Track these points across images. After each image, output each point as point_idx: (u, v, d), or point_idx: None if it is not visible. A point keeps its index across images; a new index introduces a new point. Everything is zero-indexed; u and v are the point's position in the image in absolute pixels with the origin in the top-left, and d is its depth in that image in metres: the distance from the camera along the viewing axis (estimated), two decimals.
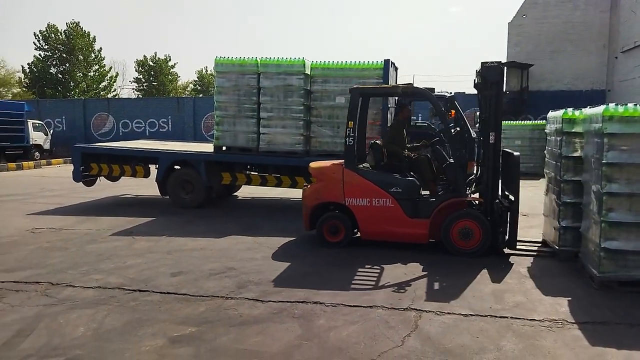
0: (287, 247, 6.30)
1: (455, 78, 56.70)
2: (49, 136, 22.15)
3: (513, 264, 5.55)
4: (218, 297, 4.42)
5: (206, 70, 45.58)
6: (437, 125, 9.71)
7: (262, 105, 8.95)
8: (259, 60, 8.94)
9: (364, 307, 4.18)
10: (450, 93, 10.85)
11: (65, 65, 34.69)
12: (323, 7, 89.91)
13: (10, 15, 66.06)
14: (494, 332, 3.73)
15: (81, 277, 4.95)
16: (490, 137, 5.83)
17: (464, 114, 8.09)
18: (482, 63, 5.81)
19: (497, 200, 5.84)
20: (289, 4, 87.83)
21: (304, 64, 8.69)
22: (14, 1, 67.08)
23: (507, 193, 6.01)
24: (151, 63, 41.26)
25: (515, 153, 5.91)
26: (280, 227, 7.47)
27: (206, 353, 3.36)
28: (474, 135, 8.82)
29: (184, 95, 39.89)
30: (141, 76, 41.67)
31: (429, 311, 4.10)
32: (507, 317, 4.00)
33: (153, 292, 4.54)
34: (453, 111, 6.32)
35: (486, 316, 4.03)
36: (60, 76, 35.06)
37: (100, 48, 36.24)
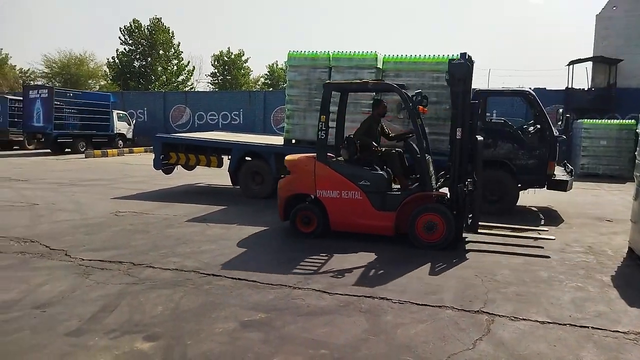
0: (352, 241, 6.29)
1: (535, 73, 53.67)
2: (132, 126, 23.64)
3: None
4: (286, 286, 4.51)
5: (277, 65, 46.47)
6: (515, 122, 9.26)
7: (332, 100, 8.95)
8: (330, 54, 8.97)
9: (432, 306, 4.09)
10: (529, 89, 10.31)
11: (147, 59, 36.81)
12: (400, 1, 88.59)
13: (99, 12, 71.02)
14: (573, 342, 3.51)
15: (160, 259, 5.24)
16: (457, 133, 5.93)
17: (546, 111, 7.66)
18: (449, 60, 6.01)
19: (460, 185, 5.93)
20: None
21: (376, 58, 8.61)
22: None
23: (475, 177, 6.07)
24: (226, 58, 42.73)
25: (479, 138, 6.13)
26: None
27: (275, 339, 3.44)
28: (556, 133, 8.36)
29: (255, 89, 40.96)
30: (216, 70, 43.28)
31: (503, 316, 3.93)
32: (587, 327, 3.76)
33: (225, 277, 4.71)
34: (421, 107, 6.16)
35: (565, 325, 3.80)
36: (143, 69, 37.22)
37: (179, 43, 38.07)
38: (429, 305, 4.10)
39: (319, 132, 6.24)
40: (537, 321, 3.85)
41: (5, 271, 4.81)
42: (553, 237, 6.43)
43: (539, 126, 8.38)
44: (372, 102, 7.22)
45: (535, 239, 6.43)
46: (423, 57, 8.57)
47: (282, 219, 6.58)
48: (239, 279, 4.68)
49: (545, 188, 8.50)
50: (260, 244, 6.03)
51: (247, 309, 3.96)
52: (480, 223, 6.18)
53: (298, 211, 6.36)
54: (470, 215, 6.10)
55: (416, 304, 4.13)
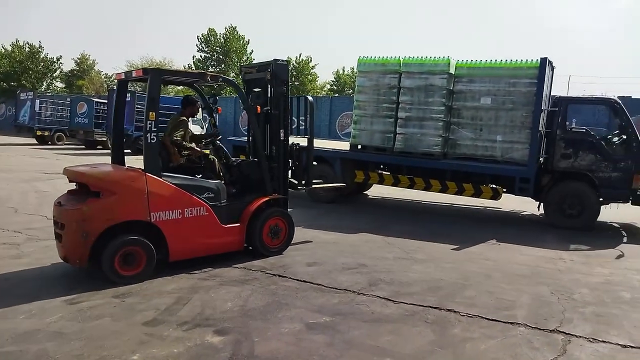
0: (416, 249, 6.17)
1: (619, 80, 49.96)
2: (204, 129, 24.65)
3: None
4: (350, 291, 4.50)
5: (343, 71, 46.67)
6: (598, 131, 8.69)
7: (401, 105, 8.89)
8: (401, 60, 8.89)
9: (503, 322, 3.92)
10: (614, 97, 9.64)
11: (222, 66, 38.30)
12: (467, 6, 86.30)
13: (178, 20, 75.02)
14: None
15: (228, 257, 5.37)
16: (281, 134, 5.88)
17: (632, 121, 7.15)
18: (274, 60, 5.82)
19: (292, 143, 6.15)
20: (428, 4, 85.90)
21: (449, 63, 8.43)
22: (181, 7, 75.96)
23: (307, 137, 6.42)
24: (295, 64, 43.54)
25: (309, 97, 6.59)
26: (409, 229, 7.37)
27: (340, 344, 3.44)
28: None
29: (321, 95, 41.38)
30: None
31: (580, 336, 3.69)
32: None
33: (291, 278, 4.79)
34: (259, 107, 5.68)
35: None
36: None
37: (252, 51, 39.32)
38: (500, 321, 3.93)
39: (148, 135, 4.82)
40: (619, 344, 3.59)
41: None
42: None
43: (624, 137, 7.83)
44: (185, 100, 5.90)
45: None
46: (499, 62, 8.28)
47: (84, 263, 4.48)
48: (304, 280, 4.74)
49: (630, 203, 7.91)
50: (326, 249, 6.06)
51: (312, 311, 4.00)
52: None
53: (118, 247, 4.48)
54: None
55: (486, 318, 3.98)
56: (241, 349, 3.30)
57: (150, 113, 4.79)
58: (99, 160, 16.88)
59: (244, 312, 3.93)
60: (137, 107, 20.57)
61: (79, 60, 48.24)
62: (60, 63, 41.91)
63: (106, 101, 21.98)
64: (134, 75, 5.36)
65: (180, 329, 3.56)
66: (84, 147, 23.29)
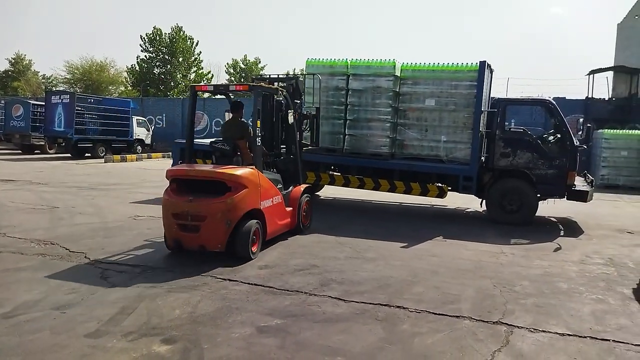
0: (367, 248, 6.27)
1: (554, 82, 52.79)
2: (150, 132, 23.95)
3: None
4: (302, 292, 4.51)
5: (294, 72, 46.76)
6: (535, 131, 9.16)
7: (350, 107, 8.99)
8: (349, 62, 9.00)
9: (449, 316, 4.05)
10: (549, 98, 10.20)
11: (167, 67, 37.31)
12: (422, 6, 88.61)
13: (120, 19, 72.42)
14: (594, 355, 3.44)
15: (177, 263, 5.28)
16: (297, 135, 6.99)
17: (567, 121, 7.58)
18: (296, 76, 6.96)
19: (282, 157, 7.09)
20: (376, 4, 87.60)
21: (394, 66, 8.61)
22: (124, 7, 73.41)
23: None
24: (242, 65, 43.11)
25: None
26: (360, 228, 7.47)
27: (291, 345, 3.43)
28: (576, 143, 8.25)
29: None
30: (232, 78, 43.71)
31: (522, 327, 3.87)
32: (609, 340, 3.69)
33: (242, 282, 4.73)
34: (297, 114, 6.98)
35: (585, 337, 3.73)
36: (162, 76, 37.77)
37: (200, 52, 38.54)
38: (446, 315, 4.06)
39: (258, 139, 5.92)
40: (557, 333, 3.79)
41: (25, 272, 4.89)
42: None
43: (559, 136, 8.28)
44: (236, 104, 6.77)
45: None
46: (441, 65, 8.55)
47: (224, 247, 5.39)
48: (255, 284, 4.69)
49: (565, 198, 8.38)
50: (277, 251, 6.03)
51: (264, 314, 3.96)
52: None
53: (253, 230, 5.53)
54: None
55: (434, 313, 4.09)
56: (190, 356, 3.22)
57: (257, 121, 5.95)
58: (40, 166, 16.07)
59: (193, 318, 3.84)
60: (77, 110, 19.67)
61: (13, 61, 45.68)
62: None
63: (43, 103, 20.87)
64: (236, 89, 6.94)
65: (125, 340, 3.43)
66: (20, 151, 22.03)
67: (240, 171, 5.63)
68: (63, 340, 3.40)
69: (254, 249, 5.60)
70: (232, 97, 7.39)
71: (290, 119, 6.81)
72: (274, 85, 7.24)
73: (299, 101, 7.33)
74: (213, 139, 6.74)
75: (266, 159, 6.58)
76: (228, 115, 6.95)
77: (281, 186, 6.51)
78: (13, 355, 3.16)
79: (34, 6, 76.61)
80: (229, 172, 5.54)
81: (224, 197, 5.37)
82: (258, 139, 5.93)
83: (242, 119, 6.70)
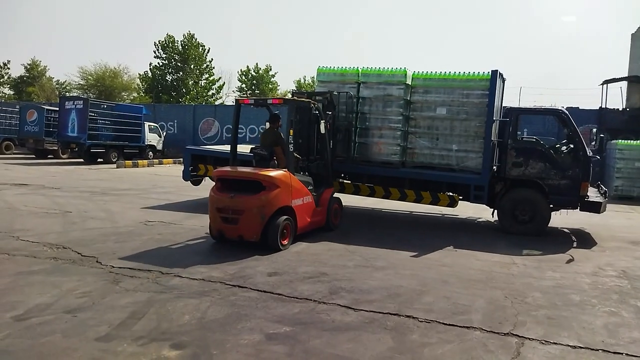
0: (377, 257, 6.25)
1: (567, 92, 52.43)
2: (162, 138, 24.14)
3: None
4: (311, 300, 4.50)
5: (304, 80, 46.97)
6: (547, 141, 9.09)
7: (360, 115, 9.01)
8: (360, 70, 9.03)
9: (459, 326, 4.01)
10: (562, 107, 10.13)
11: (180, 74, 37.67)
12: (431, 16, 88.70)
13: (134, 26, 73.42)
14: None
15: (188, 269, 5.30)
16: (330, 143, 8.02)
17: (579, 131, 7.51)
18: (331, 91, 8.27)
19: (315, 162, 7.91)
20: (386, 13, 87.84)
21: (406, 74, 8.62)
22: (138, 14, 74.43)
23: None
24: (253, 73, 43.38)
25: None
26: (370, 237, 7.46)
27: (300, 353, 3.43)
28: (589, 153, 8.17)
29: None
30: (244, 85, 44.00)
31: (533, 339, 3.82)
32: (621, 354, 3.63)
33: (251, 289, 4.74)
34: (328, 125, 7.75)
35: (597, 350, 3.68)
36: (174, 83, 38.13)
37: (212, 59, 38.89)
38: (456, 326, 4.02)
39: (291, 145, 6.89)
40: (569, 345, 3.74)
41: (38, 276, 4.94)
42: None
43: (572, 146, 8.21)
44: (274, 116, 7.78)
45: None
46: (453, 74, 8.53)
47: (259, 237, 6.22)
48: (265, 291, 4.69)
49: (578, 209, 8.29)
50: (287, 258, 6.03)
51: (272, 321, 3.96)
52: None
53: (283, 224, 6.35)
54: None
55: (443, 323, 4.06)
56: None
57: (290, 130, 6.82)
58: (53, 171, 16.29)
59: (202, 324, 3.85)
60: (90, 115, 19.92)
61: (29, 66, 46.42)
62: (8, 68, 40.18)
63: (57, 109, 21.16)
64: (272, 102, 7.43)
65: (135, 344, 3.44)
66: (34, 156, 22.33)
67: (273, 173, 6.46)
68: (74, 343, 3.43)
69: (285, 242, 6.41)
70: (270, 109, 8.16)
71: (322, 129, 7.64)
72: (311, 99, 7.98)
73: (330, 112, 8.17)
74: (253, 146, 7.73)
75: (300, 163, 7.45)
76: (267, 125, 7.90)
77: (312, 188, 7.23)
78: (25, 358, 3.19)
79: (50, 13, 78.01)
80: (263, 174, 6.38)
81: (259, 195, 6.23)
82: (290, 146, 6.81)
83: (278, 129, 7.66)
